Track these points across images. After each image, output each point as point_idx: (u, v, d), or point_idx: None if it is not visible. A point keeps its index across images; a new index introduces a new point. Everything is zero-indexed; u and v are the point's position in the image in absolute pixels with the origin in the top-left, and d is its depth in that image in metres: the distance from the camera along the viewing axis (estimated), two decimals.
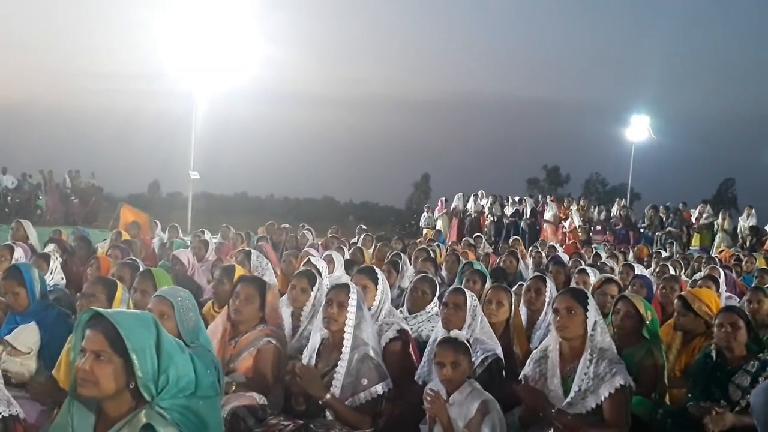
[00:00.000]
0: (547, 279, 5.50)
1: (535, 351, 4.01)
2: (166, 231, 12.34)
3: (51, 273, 6.07)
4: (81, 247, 8.23)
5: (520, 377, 3.94)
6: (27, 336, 4.36)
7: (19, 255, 6.44)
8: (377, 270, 4.82)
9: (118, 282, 4.43)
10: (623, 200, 23.07)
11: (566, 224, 19.94)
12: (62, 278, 6.45)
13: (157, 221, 13.31)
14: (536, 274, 5.99)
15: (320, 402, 3.72)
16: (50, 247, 7.71)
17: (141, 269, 5.27)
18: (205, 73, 21.47)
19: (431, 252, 9.33)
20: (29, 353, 4.32)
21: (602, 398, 3.51)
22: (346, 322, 3.86)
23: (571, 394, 3.59)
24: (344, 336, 3.84)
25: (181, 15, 21.25)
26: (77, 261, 7.59)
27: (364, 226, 13.98)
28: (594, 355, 3.61)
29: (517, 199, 21.56)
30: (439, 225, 20.86)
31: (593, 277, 6.70)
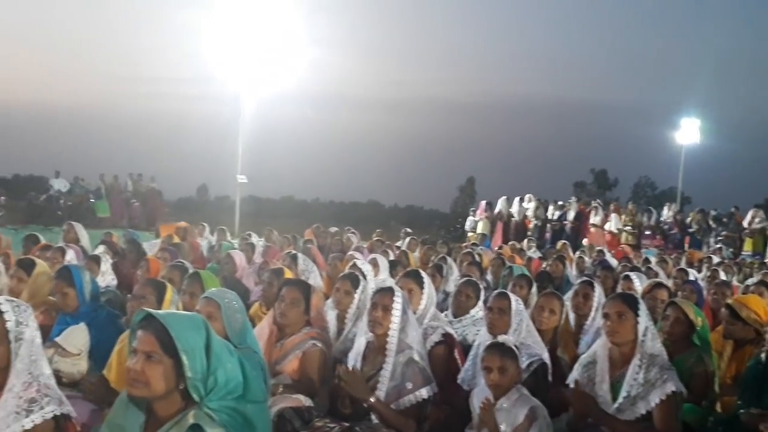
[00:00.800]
0: (596, 284, 5.43)
1: (583, 356, 3.95)
2: (215, 234, 12.51)
3: (102, 275, 6.19)
4: (131, 249, 8.37)
5: (567, 382, 3.90)
6: (76, 337, 4.43)
7: (71, 257, 6.55)
8: (423, 273, 4.81)
9: (168, 284, 4.50)
10: (673, 204, 22.65)
11: (608, 227, 19.65)
12: (113, 279, 6.57)
13: (206, 224, 13.51)
14: (584, 279, 5.92)
15: (365, 405, 3.73)
16: (101, 249, 7.86)
17: (190, 272, 5.34)
18: (252, 76, 21.70)
19: (476, 256, 9.29)
20: (79, 354, 4.40)
21: (652, 405, 3.45)
22: (390, 326, 3.85)
23: (620, 399, 3.53)
24: (389, 340, 3.85)
25: (230, 19, 21.51)
26: (127, 263, 7.71)
27: (409, 230, 13.98)
28: (644, 360, 3.55)
29: (560, 203, 21.31)
30: (480, 228, 20.72)
31: (638, 282, 6.59)
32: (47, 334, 4.32)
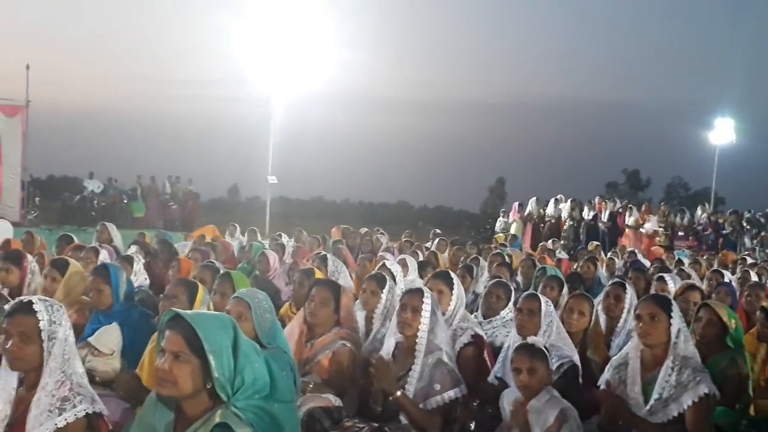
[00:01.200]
0: (627, 285, 5.38)
1: (615, 357, 3.92)
2: (245, 234, 12.60)
3: (135, 275, 6.26)
4: (163, 249, 8.46)
5: (599, 383, 3.87)
6: (109, 338, 4.48)
7: (104, 257, 6.64)
8: (452, 274, 4.80)
9: (199, 284, 4.54)
10: (707, 205, 22.36)
11: (645, 228, 19.43)
12: (146, 279, 6.64)
13: (237, 225, 13.61)
14: (616, 280, 5.87)
15: (390, 398, 3.73)
16: (133, 250, 7.95)
17: (221, 272, 5.39)
18: (282, 78, 21.85)
19: (506, 257, 9.24)
20: (111, 354, 4.45)
21: (685, 407, 3.41)
22: (420, 327, 3.85)
23: (652, 401, 3.50)
24: (418, 341, 3.84)
25: (261, 21, 21.68)
26: (159, 263, 7.80)
27: (438, 231, 13.97)
28: (677, 362, 3.51)
29: (593, 203, 21.11)
30: (514, 229, 20.63)
31: (672, 284, 6.52)
32: (80, 333, 4.39)
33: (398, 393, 3.70)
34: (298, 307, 5.19)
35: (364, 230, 13.52)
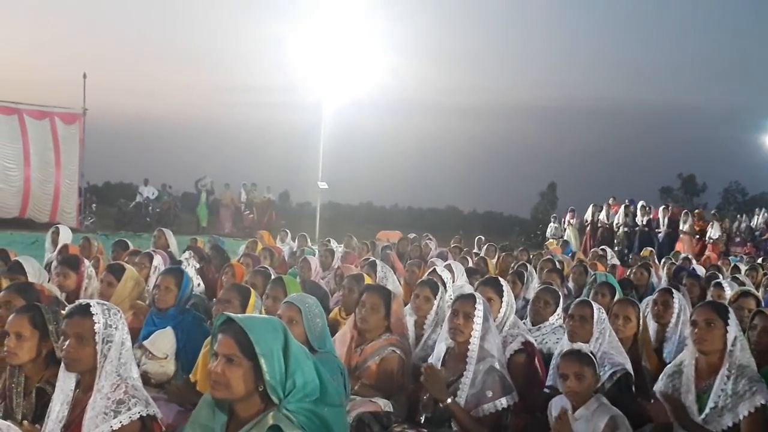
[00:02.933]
0: (675, 292, 5.29)
1: (668, 365, 3.86)
2: (296, 240, 12.71)
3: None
4: (215, 255, 8.58)
5: (652, 392, 3.81)
6: (163, 342, 4.56)
7: (158, 262, 6.74)
8: (502, 281, 4.77)
9: (251, 289, 4.59)
10: (764, 210, 21.77)
11: (709, 235, 19.00)
12: (200, 284, 6.74)
13: (288, 230, 13.74)
14: (663, 287, 5.78)
15: (441, 405, 3.72)
16: (186, 255, 8.08)
17: (272, 277, 5.44)
18: (332, 84, 22.01)
19: (557, 263, 9.15)
20: (165, 358, 4.54)
21: (740, 417, 3.34)
22: (472, 334, 3.83)
23: (707, 410, 3.43)
24: (470, 347, 3.82)
25: (312, 28, 21.91)
26: (212, 268, 7.91)
27: (482, 237, 13.88)
28: (732, 371, 3.44)
29: (648, 208, 20.71)
30: (566, 235, 20.39)
31: (730, 290, 6.37)
32: (135, 336, 4.48)
33: (449, 400, 3.69)
34: (348, 312, 5.22)
35: (412, 236, 13.51)
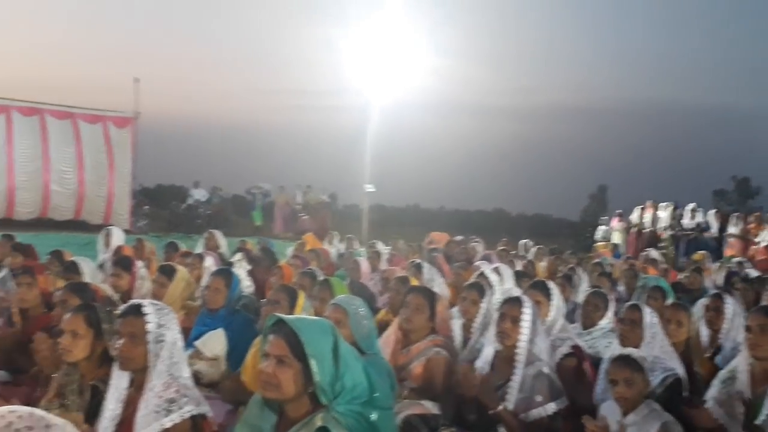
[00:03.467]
0: (727, 296, 5.18)
1: (722, 371, 3.79)
2: (343, 242, 12.78)
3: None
4: (265, 256, 8.68)
5: (705, 398, 3.74)
6: (214, 343, 4.63)
7: (209, 264, 6.84)
8: (551, 284, 4.73)
9: (300, 290, 4.63)
10: None
11: (761, 239, 18.52)
12: (249, 286, 6.82)
13: (335, 232, 13.82)
14: (714, 291, 5.67)
15: (491, 412, 3.70)
16: (237, 256, 8.19)
17: (320, 278, 5.48)
18: (379, 87, 22.08)
19: (607, 266, 9.04)
20: (216, 359, 4.60)
21: None
22: (519, 337, 3.80)
23: (762, 417, 3.35)
24: (517, 351, 3.79)
25: (360, 31, 22.01)
26: (261, 270, 8.00)
27: (529, 241, 13.77)
28: None
29: (697, 211, 20.28)
30: (616, 238, 20.10)
31: None
32: (186, 336, 4.55)
33: (500, 407, 3.66)
34: (395, 314, 5.23)
35: (459, 238, 13.46)
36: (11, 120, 19.33)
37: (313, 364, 2.47)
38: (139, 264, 5.82)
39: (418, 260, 7.65)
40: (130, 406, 2.96)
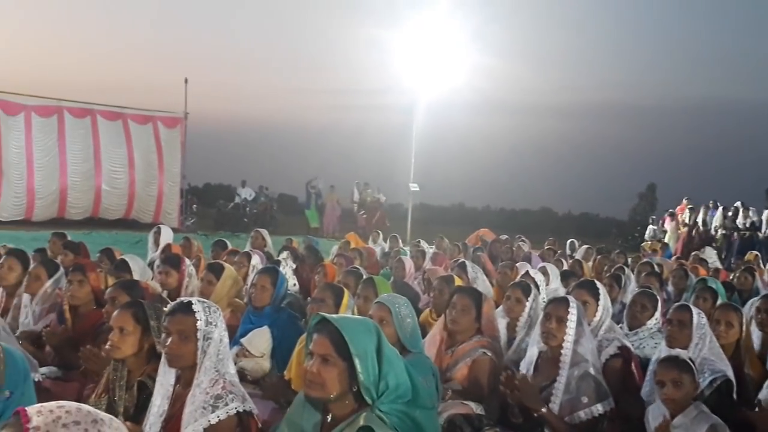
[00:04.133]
0: None
1: None
2: (387, 241, 12.81)
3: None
4: (309, 255, 8.73)
5: (756, 400, 3.65)
6: (260, 341, 4.67)
7: (256, 262, 6.90)
8: (598, 284, 4.67)
9: (345, 289, 4.65)
10: None
11: None
12: (294, 284, 6.87)
13: (380, 231, 13.85)
14: (766, 292, 5.54)
15: (536, 415, 3.67)
16: (283, 255, 8.25)
17: (364, 277, 5.49)
18: (425, 86, 22.07)
19: (656, 266, 8.88)
20: (261, 357, 4.64)
21: None
22: (565, 338, 3.76)
23: None
24: (563, 352, 3.76)
25: (405, 31, 22.03)
26: (306, 268, 8.05)
27: (575, 241, 13.61)
28: None
29: (750, 210, 19.82)
30: (666, 238, 19.77)
31: None
32: (233, 333, 4.60)
33: (544, 410, 3.63)
34: (438, 313, 5.21)
35: (504, 237, 13.38)
36: (63, 121, 19.81)
37: (357, 363, 2.47)
38: (188, 262, 5.88)
39: (462, 259, 7.63)
40: (178, 402, 2.99)
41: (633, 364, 4.32)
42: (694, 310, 4.16)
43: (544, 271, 6.88)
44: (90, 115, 20.42)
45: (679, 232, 20.02)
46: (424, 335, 4.27)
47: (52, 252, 7.48)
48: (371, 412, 2.49)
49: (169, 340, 3.00)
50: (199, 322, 2.96)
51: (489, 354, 4.21)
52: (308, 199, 23.78)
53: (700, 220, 19.87)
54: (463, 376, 4.17)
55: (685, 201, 20.77)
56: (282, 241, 10.59)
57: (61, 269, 5.09)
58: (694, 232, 19.85)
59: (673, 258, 14.58)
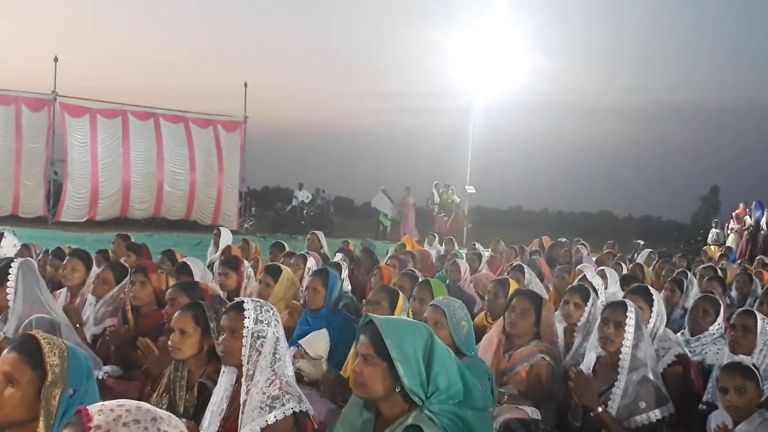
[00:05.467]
0: None
1: None
2: (443, 243, 12.77)
3: (341, 281, 6.52)
4: (365, 257, 8.76)
5: None
6: (319, 343, 4.70)
7: (312, 264, 6.95)
8: (652, 290, 4.58)
9: (399, 291, 4.66)
10: None
11: None
12: (348, 286, 6.90)
13: (435, 234, 13.82)
14: None
15: (591, 414, 3.61)
16: (339, 257, 8.31)
17: (420, 279, 5.49)
18: (483, 88, 21.97)
19: (719, 271, 8.66)
20: (320, 359, 4.68)
21: None
22: (624, 343, 3.70)
23: None
24: (621, 357, 3.69)
25: (463, 33, 21.99)
26: (362, 270, 8.08)
27: (641, 241, 13.34)
28: None
29: None
30: (729, 241, 19.25)
31: None
32: (290, 335, 4.66)
33: (599, 409, 3.58)
34: (494, 317, 5.18)
35: (563, 240, 13.20)
36: (127, 123, 20.35)
37: (398, 365, 2.48)
38: (246, 264, 5.95)
39: (519, 262, 7.56)
40: (236, 402, 3.04)
41: (692, 372, 4.24)
42: (759, 316, 4.07)
43: (602, 275, 6.77)
44: (153, 118, 20.93)
45: (746, 233, 19.43)
46: (478, 339, 4.25)
47: (115, 253, 7.66)
48: (420, 412, 2.49)
49: (222, 337, 3.08)
50: (247, 320, 3.00)
51: (547, 359, 4.17)
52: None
53: (763, 222, 19.24)
54: (520, 381, 4.14)
55: (742, 205, 20.19)
56: (338, 243, 10.67)
57: (129, 273, 5.19)
58: (757, 234, 19.25)
59: (737, 262, 14.17)
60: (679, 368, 4.11)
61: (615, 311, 3.77)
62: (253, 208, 23.86)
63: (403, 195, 23.16)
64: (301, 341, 4.71)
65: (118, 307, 4.99)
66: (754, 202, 19.60)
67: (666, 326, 4.54)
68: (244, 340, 2.99)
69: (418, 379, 2.50)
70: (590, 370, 3.90)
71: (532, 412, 3.86)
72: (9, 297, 4.26)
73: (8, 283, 4.27)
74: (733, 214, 20.70)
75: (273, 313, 3.10)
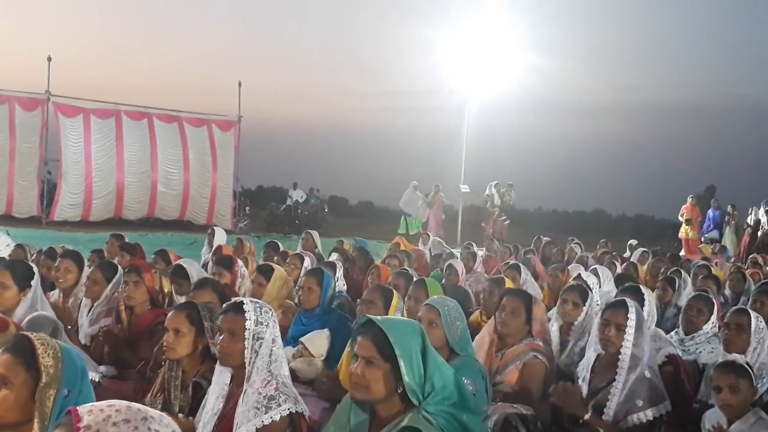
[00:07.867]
0: None
1: None
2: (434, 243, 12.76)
3: (336, 280, 6.52)
4: (360, 256, 8.76)
5: None
6: (321, 343, 4.69)
7: (308, 264, 6.93)
8: (644, 290, 4.58)
9: (394, 290, 4.65)
10: None
11: None
12: (343, 285, 6.90)
13: (429, 233, 13.82)
14: None
15: (580, 422, 3.61)
16: (334, 256, 8.30)
17: (415, 278, 5.49)
18: (476, 87, 21.96)
19: (713, 269, 8.69)
20: (319, 358, 4.68)
21: None
22: (624, 344, 3.68)
23: None
24: (621, 357, 3.68)
25: (456, 32, 21.98)
26: (357, 269, 8.07)
27: (634, 242, 13.35)
28: None
29: None
30: (725, 240, 19.28)
31: None
32: (284, 334, 4.64)
33: (587, 416, 3.59)
34: (488, 315, 5.18)
35: (546, 239, 13.20)
36: (121, 123, 20.29)
37: (402, 365, 2.48)
38: (240, 263, 5.94)
39: (514, 261, 7.57)
40: (231, 401, 3.04)
41: (683, 371, 4.25)
42: (752, 314, 4.08)
43: (595, 273, 6.78)
44: (147, 118, 20.87)
45: (746, 232, 19.44)
46: (473, 336, 4.25)
47: (109, 253, 7.65)
48: (417, 413, 2.49)
49: (221, 338, 3.06)
50: (248, 322, 2.99)
51: (540, 357, 4.16)
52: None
53: (764, 222, 19.27)
54: (513, 379, 4.14)
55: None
56: (332, 242, 10.65)
57: (120, 271, 5.17)
58: (753, 233, 19.28)
59: (731, 260, 14.23)
60: (669, 368, 4.12)
61: (616, 313, 3.75)
62: (247, 208, 23.83)
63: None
64: (302, 339, 4.71)
65: (112, 307, 4.97)
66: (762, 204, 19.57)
67: (659, 325, 4.55)
68: (246, 342, 2.98)
69: (417, 379, 2.51)
70: (590, 368, 3.91)
71: (525, 410, 3.86)
72: (24, 301, 4.31)
73: (29, 290, 4.35)
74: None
75: (271, 314, 3.10)
